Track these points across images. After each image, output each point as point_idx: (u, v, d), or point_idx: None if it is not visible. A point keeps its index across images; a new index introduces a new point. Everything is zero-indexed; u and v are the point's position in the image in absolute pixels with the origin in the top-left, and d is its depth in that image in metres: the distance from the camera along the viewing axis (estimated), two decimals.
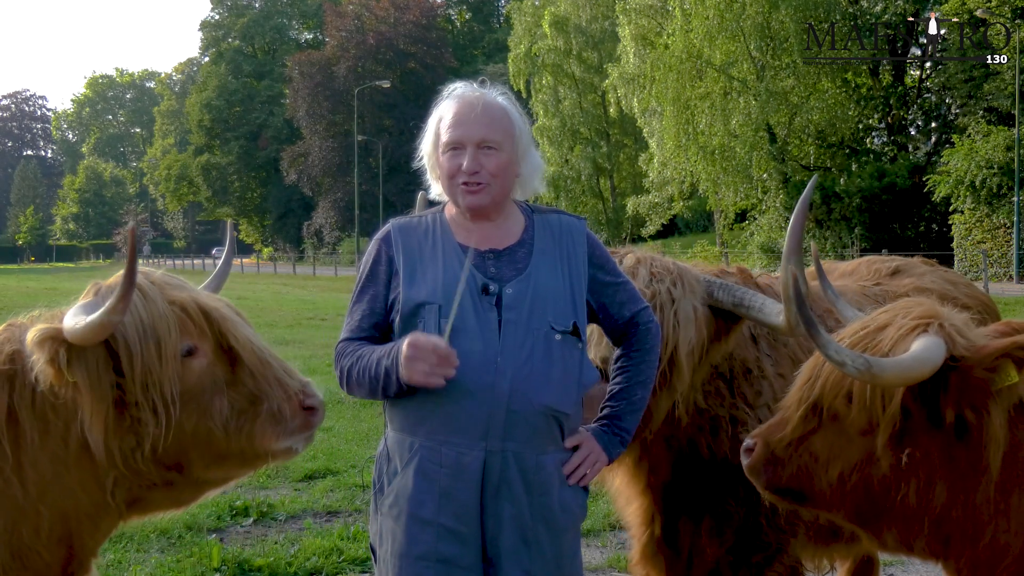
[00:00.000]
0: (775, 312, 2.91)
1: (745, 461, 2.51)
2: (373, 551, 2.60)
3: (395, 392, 2.43)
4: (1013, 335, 2.31)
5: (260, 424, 2.36)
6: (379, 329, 2.57)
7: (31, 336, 2.23)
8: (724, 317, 3.06)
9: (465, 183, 2.50)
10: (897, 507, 2.34)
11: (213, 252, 70.07)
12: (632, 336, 2.67)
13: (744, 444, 2.53)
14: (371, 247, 2.63)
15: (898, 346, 2.33)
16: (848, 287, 3.87)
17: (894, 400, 2.30)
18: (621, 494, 3.44)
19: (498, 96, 2.60)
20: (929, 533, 2.37)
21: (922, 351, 2.26)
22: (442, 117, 2.57)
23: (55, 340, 2.22)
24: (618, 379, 2.67)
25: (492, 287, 2.49)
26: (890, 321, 2.41)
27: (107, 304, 2.19)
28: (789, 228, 2.79)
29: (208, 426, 2.34)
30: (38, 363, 2.23)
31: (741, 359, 3.25)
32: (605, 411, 2.65)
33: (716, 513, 3.19)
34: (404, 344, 2.35)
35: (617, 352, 2.71)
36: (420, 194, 3.09)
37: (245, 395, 2.37)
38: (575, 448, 2.57)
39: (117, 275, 2.32)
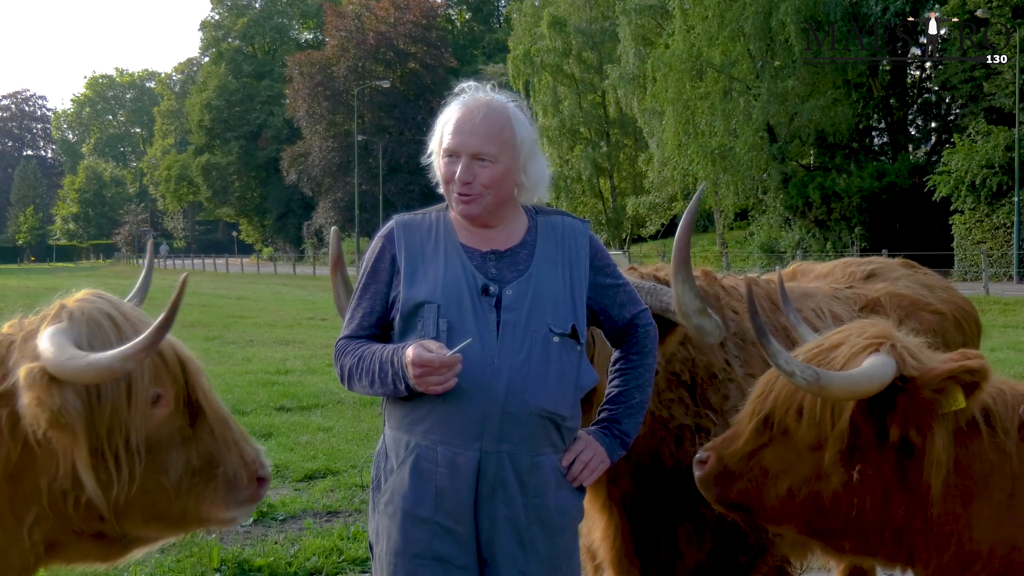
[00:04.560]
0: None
1: (697, 473, 2.49)
2: (371, 549, 2.60)
3: (403, 395, 2.44)
4: (962, 360, 2.31)
5: (213, 488, 2.18)
6: (380, 326, 2.58)
7: (23, 375, 2.01)
8: (658, 322, 2.81)
9: (459, 192, 2.51)
10: (853, 521, 2.35)
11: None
12: (631, 338, 2.67)
13: (697, 456, 2.52)
14: (374, 243, 2.63)
15: (850, 363, 2.34)
16: (820, 289, 3.82)
17: (843, 417, 2.32)
18: (586, 517, 3.33)
19: (506, 103, 2.57)
20: (890, 544, 2.38)
21: (871, 368, 2.29)
22: (447, 121, 2.56)
23: (49, 380, 2.00)
24: (616, 382, 2.67)
25: (492, 288, 2.49)
26: (844, 340, 2.43)
27: (125, 350, 2.00)
28: (676, 238, 2.79)
29: (159, 481, 2.14)
30: (27, 405, 2.01)
31: (705, 364, 3.17)
32: (603, 414, 2.65)
33: (691, 520, 3.11)
34: (408, 362, 2.34)
35: (615, 355, 2.71)
36: (333, 230, 3.16)
37: (203, 454, 2.20)
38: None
39: (82, 296, 2.19)
